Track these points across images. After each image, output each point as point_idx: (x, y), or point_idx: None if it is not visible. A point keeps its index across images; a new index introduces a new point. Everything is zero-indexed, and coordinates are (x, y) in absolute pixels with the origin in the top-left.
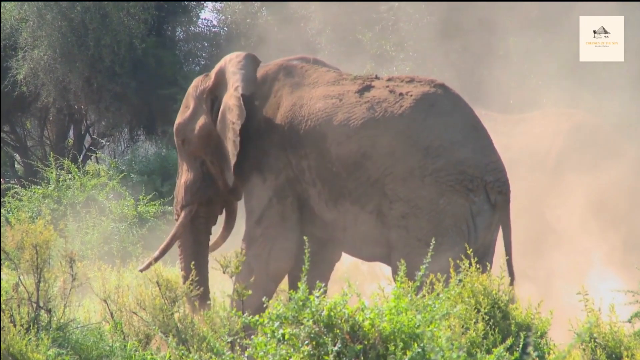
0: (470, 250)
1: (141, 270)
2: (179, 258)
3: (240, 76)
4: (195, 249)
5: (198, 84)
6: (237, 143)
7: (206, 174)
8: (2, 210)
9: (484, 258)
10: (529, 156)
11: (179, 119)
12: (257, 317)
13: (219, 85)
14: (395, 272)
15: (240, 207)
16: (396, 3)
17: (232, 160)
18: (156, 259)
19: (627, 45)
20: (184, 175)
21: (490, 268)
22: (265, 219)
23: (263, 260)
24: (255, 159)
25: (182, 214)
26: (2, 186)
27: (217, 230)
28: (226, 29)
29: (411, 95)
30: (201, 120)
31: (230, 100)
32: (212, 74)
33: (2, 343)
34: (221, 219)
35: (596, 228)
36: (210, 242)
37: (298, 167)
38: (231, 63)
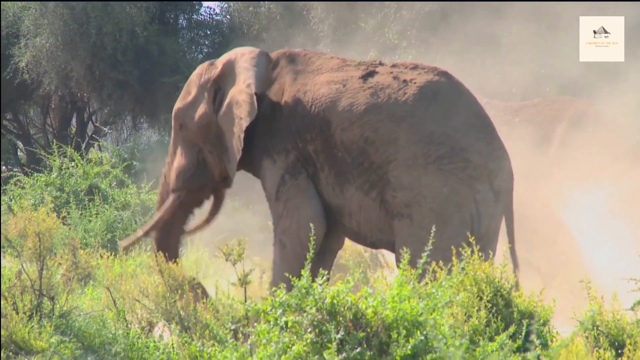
0: (473, 238)
1: (124, 248)
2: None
3: (253, 73)
4: (170, 227)
5: (202, 72)
6: (242, 139)
7: (201, 161)
8: (5, 198)
9: (487, 246)
10: (530, 144)
11: (179, 103)
12: (259, 304)
13: (226, 77)
14: (399, 260)
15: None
16: None
17: (237, 155)
18: (138, 239)
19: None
20: (178, 160)
21: (494, 256)
22: (283, 194)
23: (294, 232)
24: (262, 145)
25: (171, 199)
26: (4, 174)
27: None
28: (229, 17)
29: (415, 83)
30: (202, 109)
31: (241, 95)
32: (219, 64)
33: (4, 330)
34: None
35: (600, 215)
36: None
37: (305, 151)
38: (243, 58)
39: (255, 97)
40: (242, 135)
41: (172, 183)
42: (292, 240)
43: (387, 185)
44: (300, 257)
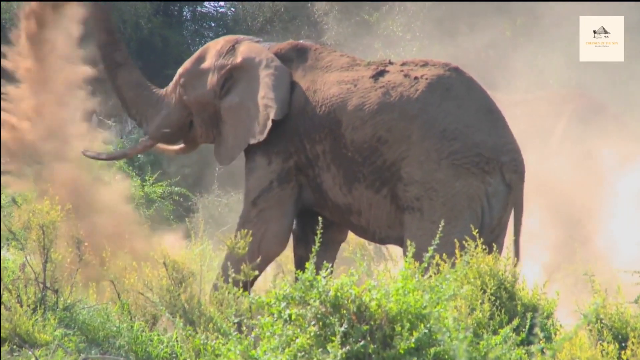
0: (483, 231)
1: (84, 153)
2: None
3: (274, 96)
4: None
5: (222, 52)
6: (242, 149)
7: (187, 125)
8: (9, 191)
9: (498, 238)
10: (532, 137)
11: (189, 65)
12: (264, 297)
13: (243, 71)
14: (406, 254)
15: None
16: None
17: (233, 157)
18: (103, 159)
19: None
20: (166, 109)
21: (502, 249)
22: (262, 201)
23: (255, 241)
24: (263, 140)
25: (144, 143)
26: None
27: None
28: (233, 9)
29: (426, 79)
30: (206, 88)
31: (259, 113)
32: (240, 55)
33: (9, 323)
34: None
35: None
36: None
37: (312, 151)
38: (266, 71)
39: (271, 123)
40: (244, 147)
41: (151, 128)
42: (250, 249)
43: (399, 181)
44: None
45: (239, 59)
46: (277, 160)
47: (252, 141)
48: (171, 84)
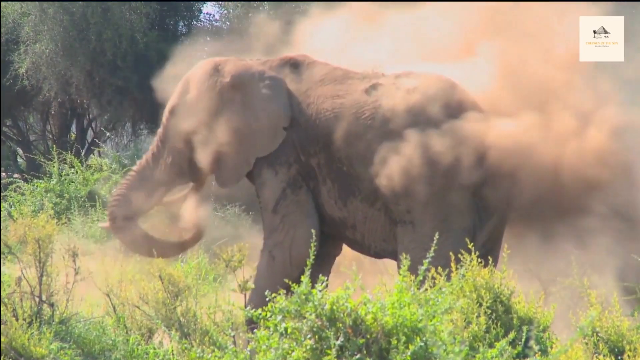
0: (472, 245)
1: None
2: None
3: (277, 105)
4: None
5: (206, 76)
6: (251, 164)
7: (186, 159)
8: (4, 204)
9: (491, 252)
10: None
11: (175, 100)
12: (259, 310)
13: (234, 89)
14: (400, 267)
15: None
16: None
17: (240, 176)
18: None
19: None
20: (165, 155)
21: (496, 263)
22: (282, 208)
23: (286, 247)
24: (265, 155)
25: (159, 193)
26: (4, 180)
27: None
28: (228, 23)
29: (419, 92)
30: (199, 113)
31: (266, 128)
32: (227, 75)
33: (4, 337)
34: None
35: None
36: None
37: (308, 164)
38: (261, 83)
39: (283, 132)
40: (252, 163)
41: (159, 175)
42: (283, 255)
43: (390, 194)
44: (286, 272)
45: (227, 79)
46: (283, 170)
47: (262, 154)
48: (159, 132)
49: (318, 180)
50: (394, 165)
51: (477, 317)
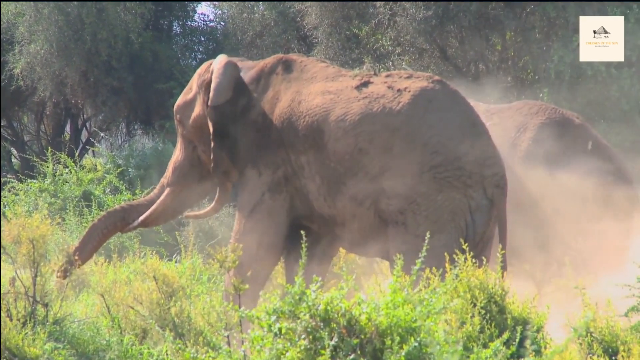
0: (466, 245)
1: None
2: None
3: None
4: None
5: (202, 72)
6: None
7: (197, 159)
8: None
9: (482, 253)
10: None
11: (181, 99)
12: (253, 311)
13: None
14: (393, 267)
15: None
16: None
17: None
18: (135, 228)
19: None
20: (176, 155)
21: (488, 262)
22: (256, 213)
23: (251, 252)
24: (251, 153)
25: (166, 193)
26: None
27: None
28: (223, 23)
29: (409, 91)
30: (197, 110)
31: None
32: (212, 68)
33: None
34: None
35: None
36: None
37: (297, 162)
38: (216, 66)
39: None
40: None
41: (169, 177)
42: (247, 261)
43: (381, 194)
44: (243, 277)
45: (210, 73)
46: (267, 172)
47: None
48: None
49: (308, 178)
50: (383, 165)
51: (471, 317)
